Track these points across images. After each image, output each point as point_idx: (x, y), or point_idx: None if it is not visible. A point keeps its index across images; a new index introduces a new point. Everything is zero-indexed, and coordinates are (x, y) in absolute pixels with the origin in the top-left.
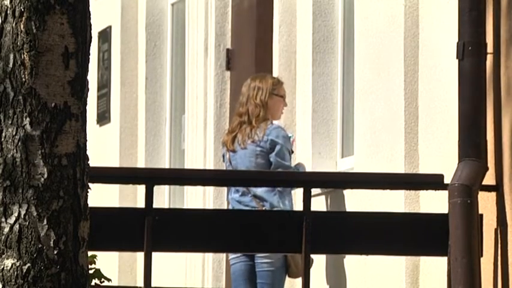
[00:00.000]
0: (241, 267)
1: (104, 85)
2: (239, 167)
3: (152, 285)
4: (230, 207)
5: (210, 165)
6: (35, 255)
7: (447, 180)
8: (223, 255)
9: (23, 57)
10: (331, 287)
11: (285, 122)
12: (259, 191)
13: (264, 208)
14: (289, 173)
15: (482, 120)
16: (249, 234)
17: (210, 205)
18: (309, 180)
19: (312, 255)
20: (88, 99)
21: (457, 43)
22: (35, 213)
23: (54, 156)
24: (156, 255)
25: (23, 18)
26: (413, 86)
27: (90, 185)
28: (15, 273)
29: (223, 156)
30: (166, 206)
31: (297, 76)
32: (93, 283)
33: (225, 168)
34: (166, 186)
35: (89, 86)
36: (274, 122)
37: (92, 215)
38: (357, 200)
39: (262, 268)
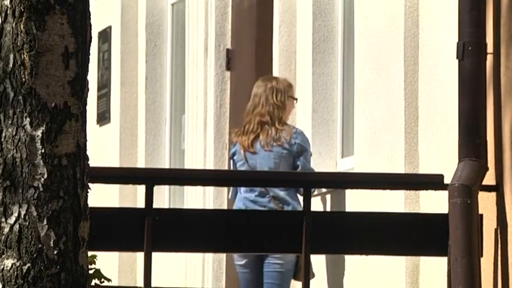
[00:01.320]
0: (249, 277)
1: (104, 85)
2: (259, 168)
3: (152, 285)
4: (242, 206)
5: (210, 165)
6: (35, 255)
7: (447, 180)
8: (223, 255)
9: (23, 57)
10: (331, 287)
11: None
12: (282, 192)
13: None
14: (289, 173)
15: (482, 120)
16: (249, 234)
17: (210, 205)
18: (309, 180)
19: (314, 269)
20: (88, 99)
21: (457, 43)
22: (35, 213)
23: (54, 156)
24: (156, 255)
25: (23, 18)
26: (413, 86)
27: (90, 185)
28: (15, 273)
29: (234, 155)
30: (166, 206)
31: (297, 76)
32: (93, 283)
33: (232, 168)
34: (166, 186)
35: (89, 86)
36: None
37: (92, 215)
38: (357, 200)
39: (274, 269)
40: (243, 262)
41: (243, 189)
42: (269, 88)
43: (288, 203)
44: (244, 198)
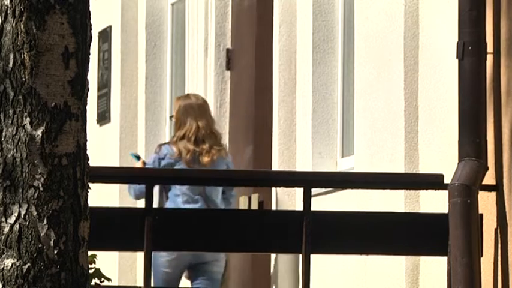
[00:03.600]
0: (170, 277)
1: (104, 85)
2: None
3: (152, 285)
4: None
5: None
6: (35, 255)
7: (447, 180)
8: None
9: (23, 57)
10: (331, 287)
11: (285, 122)
12: (222, 205)
13: None
14: (290, 173)
15: (482, 120)
16: (249, 234)
17: None
18: (309, 180)
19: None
20: (88, 99)
21: (457, 43)
22: (35, 213)
23: (54, 156)
24: None
25: (23, 18)
26: (413, 86)
27: (90, 185)
28: (15, 273)
29: (175, 163)
30: None
31: (297, 76)
32: (93, 283)
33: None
34: None
35: (89, 86)
36: None
37: (92, 215)
38: (357, 200)
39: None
40: (171, 261)
41: (179, 200)
42: (207, 105)
43: None
44: None
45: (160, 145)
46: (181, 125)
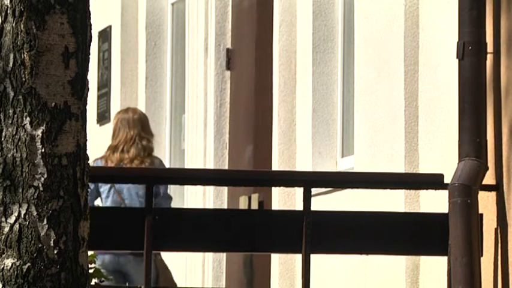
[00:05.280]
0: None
1: (104, 85)
2: (126, 192)
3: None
4: None
5: (210, 165)
6: (35, 255)
7: (447, 180)
8: (223, 255)
9: (23, 56)
10: (331, 287)
11: (285, 122)
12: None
13: None
14: (290, 173)
15: (482, 120)
16: (248, 234)
17: (210, 205)
18: (309, 180)
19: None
20: (88, 99)
21: (457, 43)
22: (35, 213)
23: (54, 156)
24: None
25: (23, 18)
26: (413, 86)
27: (90, 185)
28: (15, 272)
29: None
30: None
31: (297, 76)
32: (92, 282)
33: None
34: None
35: (89, 86)
36: None
37: (92, 215)
38: (357, 200)
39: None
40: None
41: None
42: (144, 119)
43: None
44: None
45: (95, 160)
46: (114, 137)
